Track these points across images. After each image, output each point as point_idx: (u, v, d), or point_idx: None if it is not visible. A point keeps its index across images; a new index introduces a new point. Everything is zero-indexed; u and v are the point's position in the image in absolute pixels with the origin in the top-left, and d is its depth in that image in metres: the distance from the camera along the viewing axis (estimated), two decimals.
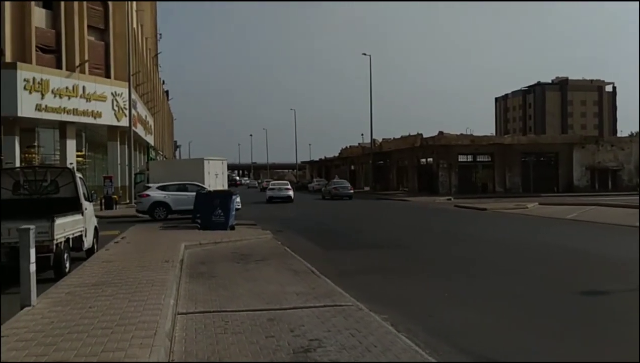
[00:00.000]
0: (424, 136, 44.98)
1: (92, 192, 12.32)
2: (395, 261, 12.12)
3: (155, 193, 23.32)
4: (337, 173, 70.71)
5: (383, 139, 58.09)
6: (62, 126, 31.06)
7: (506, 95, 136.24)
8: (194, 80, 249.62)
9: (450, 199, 37.74)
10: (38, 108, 28.85)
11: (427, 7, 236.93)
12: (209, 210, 17.31)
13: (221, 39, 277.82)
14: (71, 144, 31.56)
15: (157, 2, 70.27)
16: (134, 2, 39.33)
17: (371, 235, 17.43)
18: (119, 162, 35.67)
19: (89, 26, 32.58)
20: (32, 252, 6.71)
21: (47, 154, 32.21)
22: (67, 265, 9.66)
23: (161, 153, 69.27)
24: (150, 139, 49.74)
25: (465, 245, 14.81)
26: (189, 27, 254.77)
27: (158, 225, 19.18)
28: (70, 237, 9.92)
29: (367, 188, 59.20)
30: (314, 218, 24.48)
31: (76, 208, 10.76)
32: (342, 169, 69.30)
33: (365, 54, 52.55)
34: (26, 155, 30.73)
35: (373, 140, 53.93)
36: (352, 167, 67.05)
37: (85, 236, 11.13)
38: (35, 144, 31.86)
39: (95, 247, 12.24)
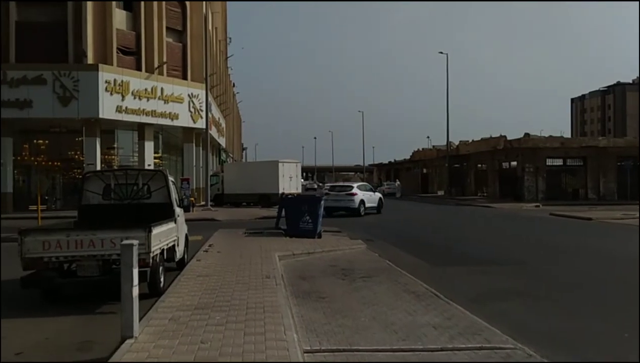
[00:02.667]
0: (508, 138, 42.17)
1: (184, 196, 11.32)
2: (521, 281, 10.38)
3: None
4: (407, 176, 68.54)
5: (460, 141, 55.45)
6: (140, 128, 31.16)
7: (583, 95, 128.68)
8: (257, 82, 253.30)
9: (538, 206, 34.98)
10: (118, 109, 29.01)
11: (499, 6, 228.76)
12: (297, 216, 16.16)
13: (286, 42, 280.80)
14: (149, 146, 31.60)
15: (228, 6, 70.75)
16: (210, 4, 39.22)
17: (475, 247, 15.65)
18: (194, 164, 35.54)
19: (167, 27, 32.57)
20: (135, 272, 5.63)
21: (126, 156, 32.47)
22: (162, 279, 8.66)
23: (231, 155, 69.77)
24: (222, 141, 49.83)
25: (598, 263, 12.81)
26: (255, 30, 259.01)
27: (241, 230, 18.25)
28: (165, 247, 8.93)
29: (440, 193, 56.78)
30: (398, 226, 22.88)
31: (169, 215, 9.79)
32: (413, 172, 67.04)
33: (442, 53, 50.22)
34: (106, 156, 31.06)
35: (449, 143, 51.51)
36: (424, 171, 64.66)
37: (178, 246, 10.16)
38: (115, 145, 32.21)
39: (186, 256, 11.27)
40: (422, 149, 68.58)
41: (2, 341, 6.22)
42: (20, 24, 28.05)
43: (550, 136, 44.23)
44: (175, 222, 9.87)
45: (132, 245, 5.61)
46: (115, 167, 28.64)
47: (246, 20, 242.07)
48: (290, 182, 34.80)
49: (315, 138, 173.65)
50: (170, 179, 10.52)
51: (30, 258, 7.58)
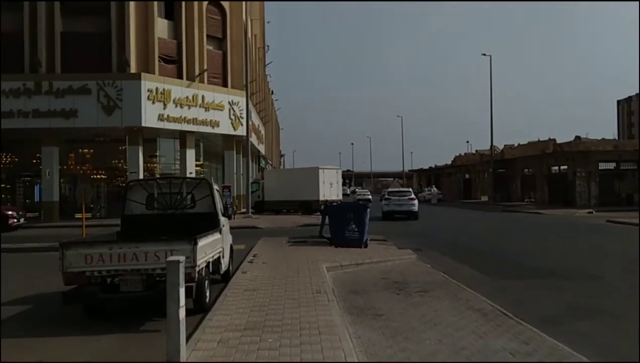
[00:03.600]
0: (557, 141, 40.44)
1: (229, 205, 10.85)
2: (598, 298, 9.43)
3: None
4: (449, 182, 66.99)
5: (505, 146, 53.72)
6: (182, 136, 31.20)
7: (629, 97, 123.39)
8: (294, 89, 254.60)
9: (592, 212, 33.24)
10: (160, 118, 29.08)
11: (544, 5, 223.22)
12: (342, 225, 15.52)
13: (323, 48, 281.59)
14: (190, 154, 31.60)
15: (266, 14, 70.99)
16: (249, 11, 39.18)
17: (535, 258, 14.63)
18: (234, 171, 35.41)
19: (207, 35, 32.60)
20: (182, 292, 5.11)
21: (167, 164, 32.59)
22: (208, 294, 8.17)
23: (270, 162, 69.80)
24: (262, 148, 49.74)
25: None
26: (292, 37, 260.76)
27: (284, 239, 17.75)
28: (210, 260, 8.44)
29: (484, 199, 55.12)
30: (445, 234, 21.96)
31: (214, 225, 9.32)
32: (456, 177, 65.44)
33: (484, 55, 48.81)
34: (148, 165, 31.22)
35: (493, 147, 49.92)
36: (467, 176, 63.00)
37: (223, 257, 9.68)
38: (157, 153, 32.37)
39: (231, 267, 10.79)
40: (464, 153, 66.85)
41: (43, 361, 5.83)
42: (65, 34, 28.51)
43: (603, 139, 42.20)
44: (220, 233, 9.39)
45: (178, 262, 5.09)
46: (158, 176, 28.71)
47: (283, 28, 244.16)
48: (330, 189, 34.24)
49: (352, 144, 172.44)
50: (215, 187, 10.07)
51: (72, 272, 7.21)
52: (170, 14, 31.33)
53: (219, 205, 9.88)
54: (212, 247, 8.51)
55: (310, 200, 33.41)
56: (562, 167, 40.99)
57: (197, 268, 7.35)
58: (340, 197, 34.75)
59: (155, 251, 7.22)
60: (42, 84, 27.56)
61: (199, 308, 7.73)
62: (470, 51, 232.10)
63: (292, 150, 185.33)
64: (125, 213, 9.72)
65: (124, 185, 31.78)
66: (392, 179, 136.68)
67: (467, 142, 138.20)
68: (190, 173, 30.13)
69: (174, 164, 32.44)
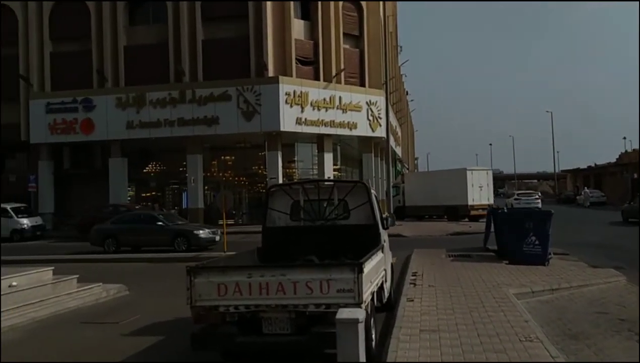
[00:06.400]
0: None
1: (386, 215, 8.71)
2: None
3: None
4: (612, 182, 58.90)
5: None
6: (319, 139, 30.01)
7: None
8: (425, 90, 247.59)
9: None
10: (298, 121, 28.14)
11: None
12: (518, 236, 12.67)
13: (455, 47, 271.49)
14: (328, 158, 30.26)
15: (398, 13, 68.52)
16: (386, 5, 37.11)
17: None
18: (372, 175, 33.48)
19: (344, 33, 31.12)
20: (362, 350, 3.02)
21: (305, 169, 31.63)
22: (375, 336, 6.09)
23: (406, 165, 67.06)
24: (398, 151, 47.39)
25: None
26: (424, 37, 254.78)
27: (440, 251, 15.28)
28: (374, 290, 6.36)
29: None
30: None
31: (374, 241, 7.28)
32: (622, 177, 57.24)
33: None
34: (287, 170, 30.49)
35: None
36: (635, 175, 54.62)
37: (385, 281, 7.57)
38: (295, 158, 31.57)
39: (392, 293, 8.61)
40: (633, 150, 58.25)
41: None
42: (206, 42, 28.74)
43: None
44: (382, 251, 7.29)
45: (356, 322, 3.10)
46: (297, 180, 27.71)
47: (416, 28, 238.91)
48: (480, 192, 30.83)
49: (490, 144, 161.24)
50: (373, 192, 8.01)
51: (202, 307, 5.55)
52: (306, 14, 30.37)
53: (379, 215, 7.79)
54: (376, 271, 6.46)
55: (457, 205, 30.40)
56: None
57: (364, 305, 5.28)
58: (492, 202, 31.15)
59: (307, 280, 5.32)
60: (186, 92, 27.97)
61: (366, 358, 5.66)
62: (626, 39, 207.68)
63: (425, 153, 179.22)
64: (266, 224, 8.02)
65: (264, 191, 31.90)
66: (537, 181, 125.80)
67: (624, 138, 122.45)
68: (329, 177, 28.76)
69: (311, 169, 31.39)
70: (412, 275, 10.71)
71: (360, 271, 5.25)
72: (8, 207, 25.98)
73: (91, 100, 28.93)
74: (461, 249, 15.51)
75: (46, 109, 29.18)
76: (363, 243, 7.25)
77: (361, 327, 3.31)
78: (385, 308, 7.98)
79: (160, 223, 19.69)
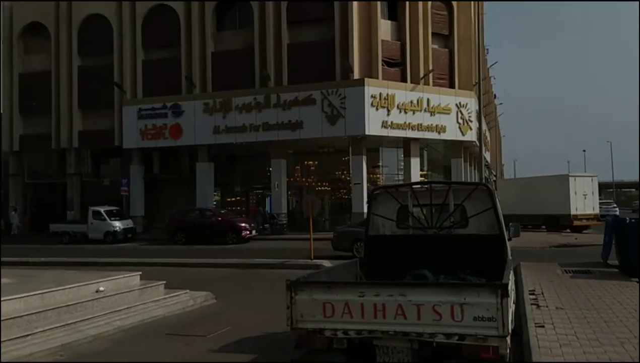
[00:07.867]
0: None
1: (510, 224, 7.42)
2: None
3: None
4: None
5: None
6: (406, 143, 28.78)
7: None
8: (512, 94, 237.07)
9: None
10: (384, 125, 27.13)
11: None
12: None
13: (542, 48, 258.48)
14: (415, 163, 28.94)
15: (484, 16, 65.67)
16: (478, 3, 35.19)
17: None
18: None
19: (432, 33, 29.73)
20: None
21: (390, 174, 30.48)
22: None
23: (494, 172, 63.79)
24: (487, 156, 44.90)
25: None
26: (509, 38, 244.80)
27: (549, 265, 13.64)
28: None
29: None
30: None
31: (500, 255, 6.09)
32: None
33: None
34: (371, 176, 29.50)
35: None
36: None
37: (513, 303, 6.34)
38: (379, 163, 30.51)
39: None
40: None
41: None
42: (292, 45, 28.40)
43: None
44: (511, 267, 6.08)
45: None
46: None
47: (502, 31, 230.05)
48: (585, 201, 28.19)
49: (584, 151, 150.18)
50: (496, 196, 6.80)
51: (304, 329, 4.65)
52: (394, 14, 29.31)
53: (503, 224, 6.57)
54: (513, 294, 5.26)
55: (557, 215, 27.98)
56: None
57: (508, 337, 4.16)
58: (597, 211, 28.44)
59: (435, 304, 4.27)
60: (271, 97, 27.75)
61: None
62: None
63: (510, 160, 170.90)
64: (369, 233, 7.03)
65: (346, 197, 31.30)
66: (633, 190, 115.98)
67: None
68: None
69: (397, 174, 30.20)
70: (530, 294, 9.30)
71: (505, 294, 4.15)
72: (102, 210, 26.88)
73: (179, 105, 29.46)
74: (576, 264, 13.75)
75: (138, 115, 30.06)
76: (485, 257, 6.11)
77: None
78: (513, 339, 6.72)
79: None
